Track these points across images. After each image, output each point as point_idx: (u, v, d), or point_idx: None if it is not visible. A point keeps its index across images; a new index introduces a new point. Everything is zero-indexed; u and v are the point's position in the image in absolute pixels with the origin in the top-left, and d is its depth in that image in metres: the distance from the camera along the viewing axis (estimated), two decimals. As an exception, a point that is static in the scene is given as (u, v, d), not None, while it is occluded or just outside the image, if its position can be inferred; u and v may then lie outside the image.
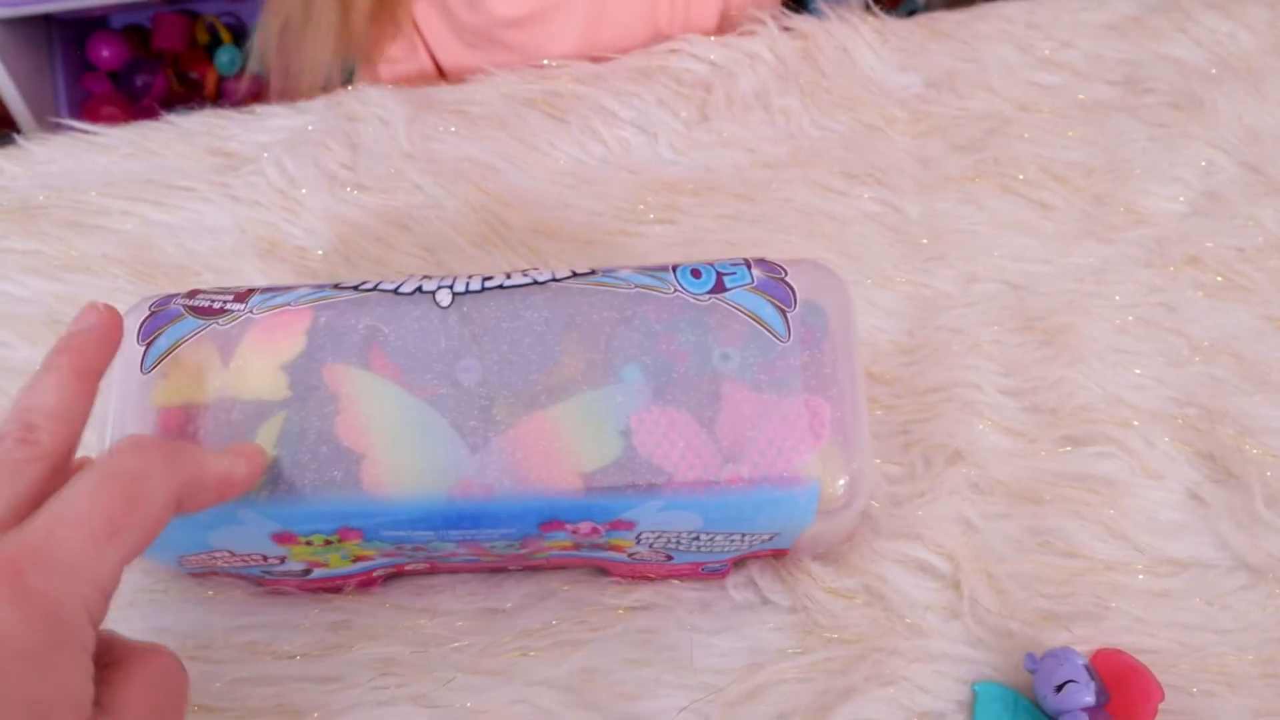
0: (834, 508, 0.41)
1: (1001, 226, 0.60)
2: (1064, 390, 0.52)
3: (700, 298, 0.42)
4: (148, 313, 0.42)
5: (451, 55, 0.84)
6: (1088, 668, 0.42)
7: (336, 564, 0.44)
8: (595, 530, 0.41)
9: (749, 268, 0.43)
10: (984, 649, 0.45)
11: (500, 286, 0.42)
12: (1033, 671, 0.43)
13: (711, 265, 0.43)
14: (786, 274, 0.43)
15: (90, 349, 0.38)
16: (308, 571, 0.45)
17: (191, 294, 0.43)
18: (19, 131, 0.68)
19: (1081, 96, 0.67)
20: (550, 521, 0.41)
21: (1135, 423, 0.51)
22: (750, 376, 0.41)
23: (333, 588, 0.47)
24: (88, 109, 1.67)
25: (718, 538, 0.42)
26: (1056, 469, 0.50)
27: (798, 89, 0.67)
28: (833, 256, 0.58)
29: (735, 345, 0.41)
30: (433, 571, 0.48)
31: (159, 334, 0.42)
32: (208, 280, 0.59)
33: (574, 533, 0.41)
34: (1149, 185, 0.61)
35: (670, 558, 0.44)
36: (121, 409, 0.41)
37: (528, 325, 0.41)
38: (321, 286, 0.43)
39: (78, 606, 0.31)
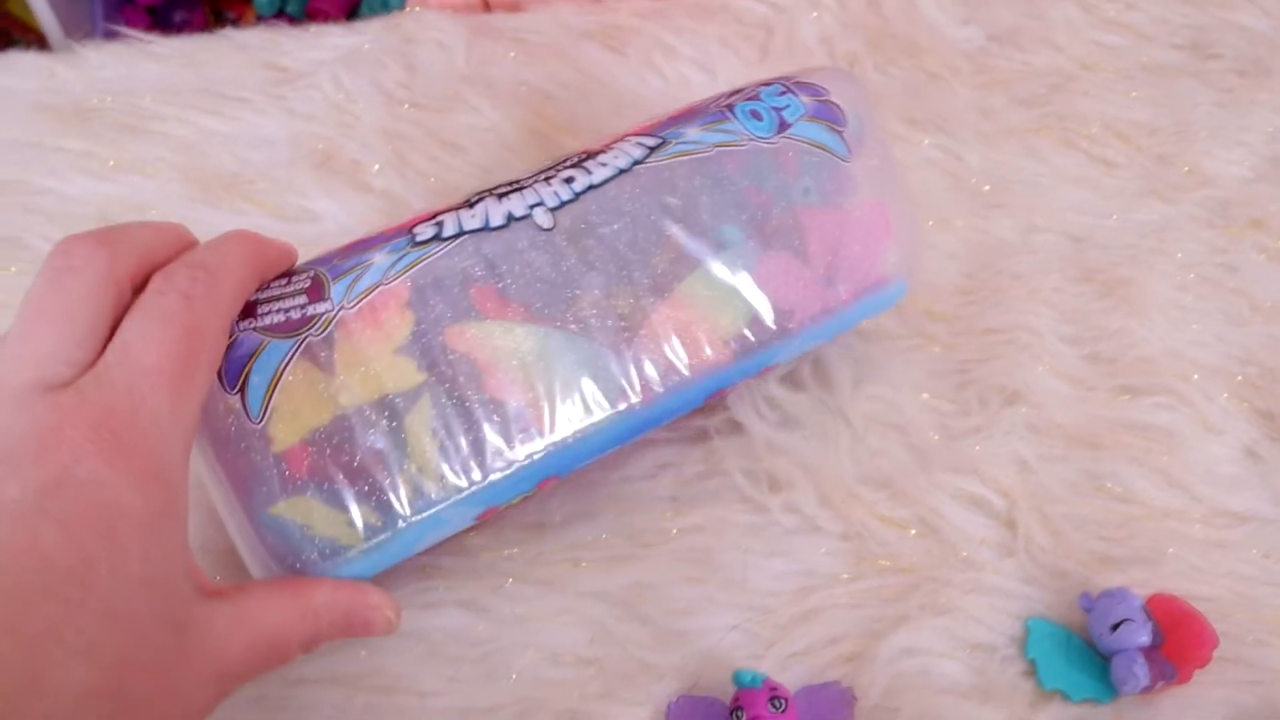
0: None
1: (1063, 180, 0.59)
2: (1124, 341, 0.52)
3: (771, 140, 0.43)
4: None
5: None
6: (1144, 608, 0.42)
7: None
8: (748, 381, 0.44)
9: (794, 94, 0.44)
10: (1038, 586, 0.45)
11: (591, 187, 0.41)
12: (1088, 610, 0.43)
13: (759, 100, 0.44)
14: (829, 94, 0.44)
15: (278, 253, 0.38)
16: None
17: (247, 312, 0.37)
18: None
19: (1144, 59, 0.66)
20: (716, 392, 0.42)
21: (1195, 377, 0.51)
22: (825, 200, 0.43)
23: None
24: (123, 44, 1.66)
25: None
26: (1114, 416, 0.49)
27: (862, 35, 0.66)
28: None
29: (809, 176, 0.43)
30: None
31: (246, 373, 0.36)
32: (262, 189, 0.59)
33: (730, 391, 0.44)
34: (1213, 148, 0.60)
35: None
36: (249, 471, 0.36)
37: (633, 218, 0.41)
38: (397, 245, 0.39)
39: (173, 461, 0.30)
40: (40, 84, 0.65)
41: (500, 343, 0.38)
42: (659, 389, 0.40)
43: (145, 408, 0.30)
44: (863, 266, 0.43)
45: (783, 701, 0.39)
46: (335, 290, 0.38)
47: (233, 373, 0.36)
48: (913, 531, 0.46)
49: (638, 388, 0.40)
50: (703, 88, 0.64)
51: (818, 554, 0.45)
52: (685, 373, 0.40)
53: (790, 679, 0.42)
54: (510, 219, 0.40)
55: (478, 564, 0.45)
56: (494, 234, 0.39)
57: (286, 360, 0.36)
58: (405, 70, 0.65)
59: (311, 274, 0.39)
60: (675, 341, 0.40)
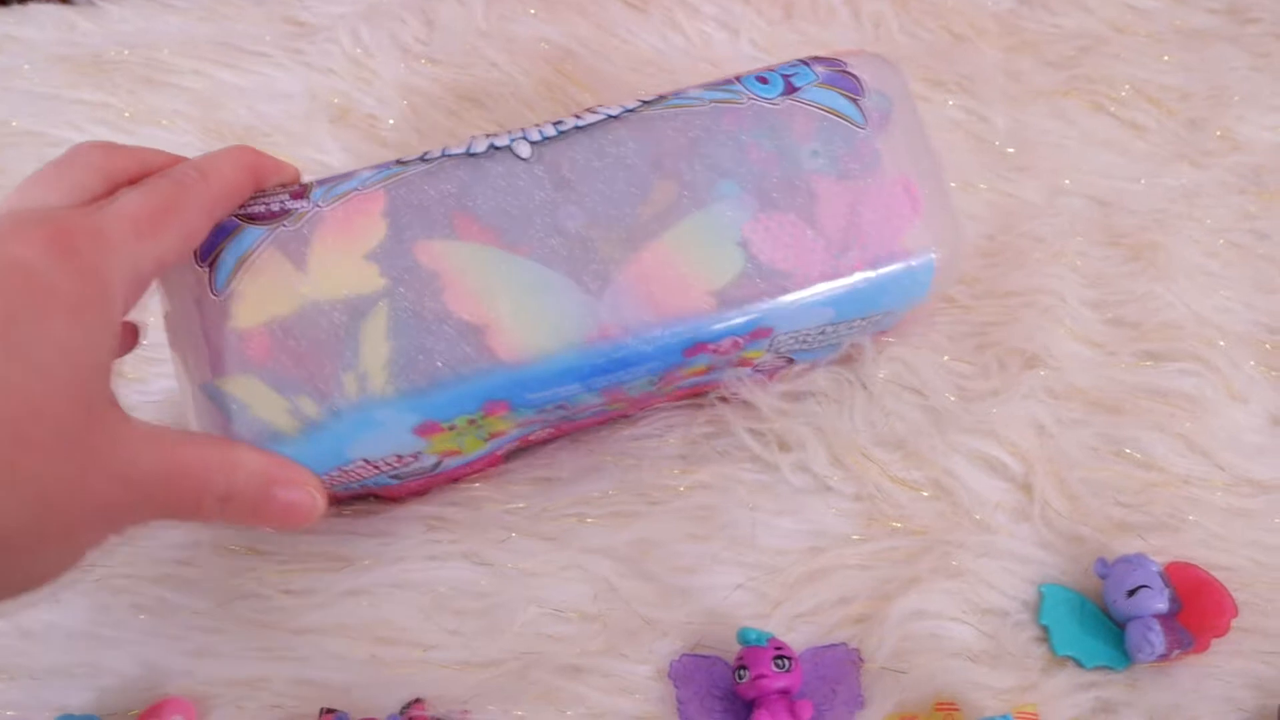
0: (941, 268, 0.43)
1: (1091, 143, 0.58)
2: (1148, 306, 0.50)
3: (774, 101, 0.42)
4: None
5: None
6: (1162, 575, 0.41)
7: (471, 447, 0.42)
8: (736, 344, 0.42)
9: (809, 65, 0.43)
10: (1053, 552, 0.44)
11: (577, 128, 0.41)
12: (1103, 576, 0.42)
13: (773, 70, 0.43)
14: (848, 66, 0.43)
15: (272, 162, 0.40)
16: (437, 465, 0.43)
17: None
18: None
19: (1178, 22, 0.64)
20: (694, 345, 0.41)
21: (1220, 343, 0.49)
22: (839, 168, 0.41)
23: (459, 477, 0.46)
24: None
25: (841, 327, 0.44)
26: (1136, 381, 0.48)
27: (888, -6, 0.65)
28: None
29: (819, 141, 0.42)
30: (556, 437, 0.47)
31: (220, 251, 0.38)
32: (278, 142, 0.58)
33: (715, 351, 0.41)
34: (1248, 113, 0.59)
35: (792, 360, 0.47)
36: (202, 340, 0.38)
37: (617, 160, 0.40)
38: (383, 166, 0.41)
39: (115, 276, 0.32)
40: (60, 36, 0.65)
41: (465, 262, 0.39)
42: (627, 330, 0.39)
43: (106, 235, 0.33)
44: (880, 239, 0.41)
45: (788, 661, 0.39)
46: (316, 192, 0.40)
47: (206, 248, 0.38)
48: (926, 493, 0.45)
49: (604, 325, 0.39)
50: (724, 46, 0.63)
51: (828, 514, 0.44)
52: (658, 315, 0.39)
53: (797, 639, 0.41)
54: (491, 148, 0.40)
55: (482, 516, 0.44)
56: (473, 159, 0.40)
57: (257, 245, 0.38)
58: (424, 25, 0.64)
59: (303, 183, 0.41)
60: (652, 286, 0.39)
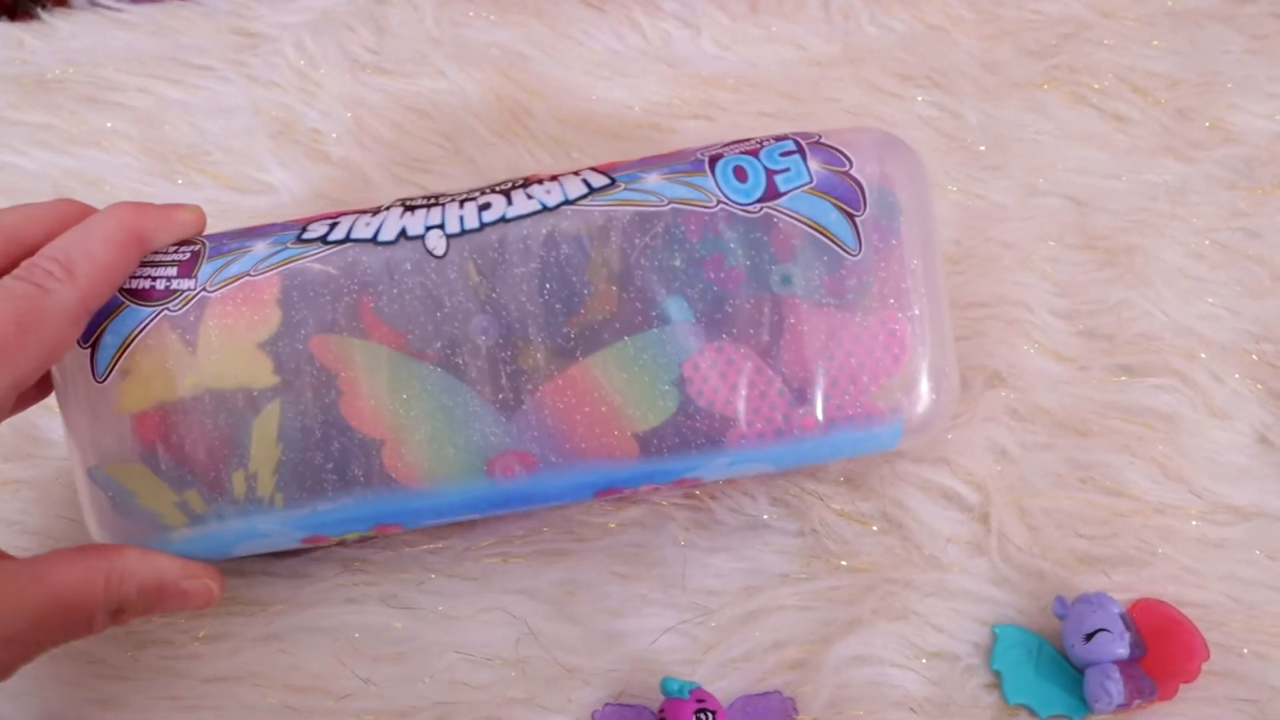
0: (913, 429, 0.37)
1: (1070, 138, 0.54)
2: (1124, 315, 0.47)
3: (749, 208, 0.36)
4: None
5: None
6: (1124, 617, 0.38)
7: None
8: (656, 490, 0.38)
9: (803, 157, 0.36)
10: (1009, 589, 0.41)
11: (503, 219, 0.36)
12: (1061, 617, 0.39)
13: (757, 157, 0.36)
14: (852, 165, 0.36)
15: (160, 221, 0.36)
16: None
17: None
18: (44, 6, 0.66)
19: (1171, 3, 0.60)
20: (607, 489, 0.37)
21: (1202, 355, 0.46)
22: (816, 297, 0.35)
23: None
24: None
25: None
26: (1108, 399, 0.45)
27: (858, -16, 0.61)
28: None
29: (795, 261, 0.35)
30: None
31: (101, 332, 0.35)
32: (218, 160, 0.57)
33: (631, 495, 0.38)
34: (1241, 100, 0.55)
35: None
36: (88, 424, 0.36)
37: (545, 264, 0.35)
38: (282, 238, 0.37)
39: None
40: (7, 54, 0.63)
41: (364, 366, 0.35)
42: (535, 468, 0.36)
43: None
44: (847, 392, 0.36)
45: (711, 715, 0.36)
46: (205, 270, 0.36)
47: (88, 328, 0.35)
48: (874, 527, 0.42)
49: (510, 459, 0.35)
50: (684, 44, 0.60)
51: (766, 551, 0.42)
52: (571, 459, 0.35)
53: (728, 687, 0.39)
54: (402, 235, 0.36)
55: (402, 557, 0.42)
56: (379, 248, 0.36)
57: (140, 328, 0.35)
58: (374, 33, 0.62)
59: (195, 248, 0.37)
60: (569, 416, 0.35)
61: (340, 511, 0.36)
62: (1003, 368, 0.45)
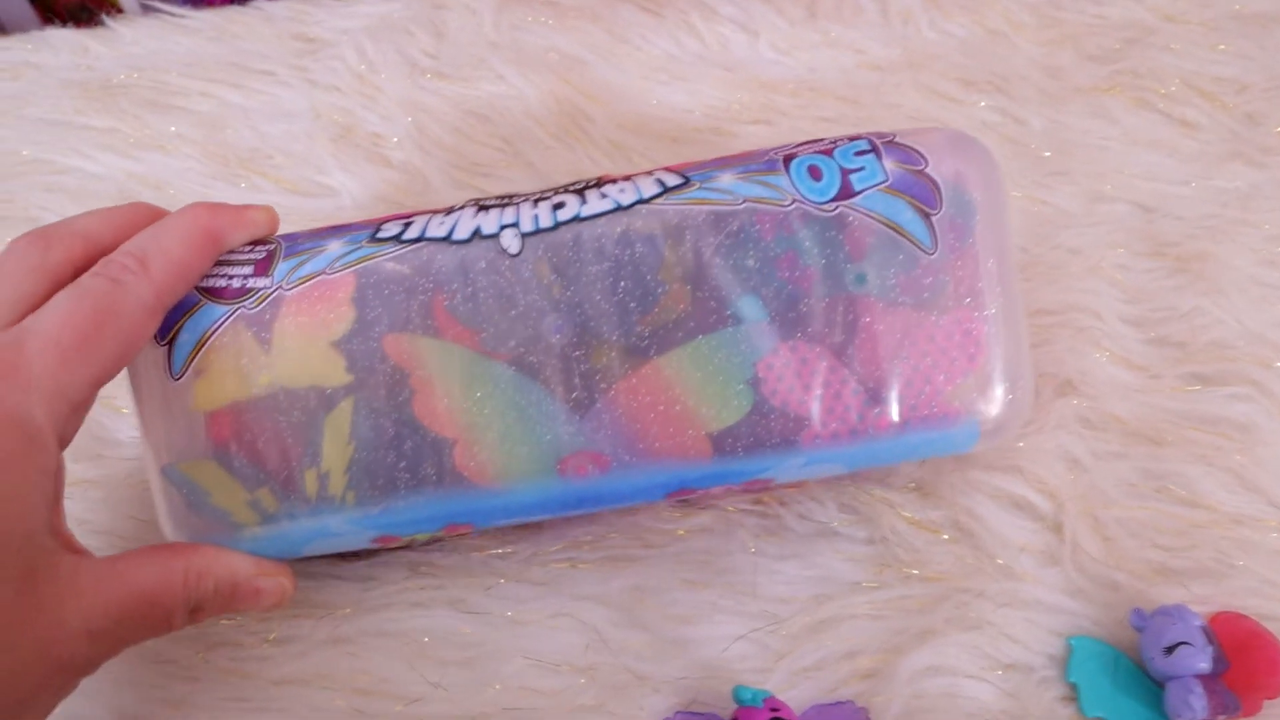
0: (990, 430, 0.37)
1: (1135, 143, 0.53)
2: (1196, 323, 0.46)
3: (824, 207, 0.35)
4: None
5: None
6: (1205, 630, 0.37)
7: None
8: (728, 492, 0.37)
9: (878, 156, 0.36)
10: (1084, 600, 0.40)
11: (577, 218, 0.36)
12: (1140, 629, 0.38)
13: (831, 156, 0.36)
14: (927, 164, 0.36)
15: (234, 220, 0.37)
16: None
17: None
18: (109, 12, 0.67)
19: (1238, 7, 0.59)
20: (678, 490, 0.37)
21: (1277, 364, 0.45)
22: (891, 296, 0.35)
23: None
24: None
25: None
26: (1182, 408, 0.44)
27: (918, -11, 0.61)
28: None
29: (870, 260, 0.35)
30: None
31: (178, 329, 0.36)
32: (279, 164, 0.57)
33: (702, 497, 0.37)
34: (1313, 105, 0.54)
35: None
36: (163, 422, 0.36)
37: (620, 263, 0.35)
38: (356, 238, 0.37)
39: (42, 419, 0.31)
40: (73, 60, 0.64)
41: (437, 365, 0.35)
42: (607, 468, 0.35)
43: (26, 366, 0.31)
44: (922, 392, 0.35)
45: (784, 723, 0.36)
46: (280, 269, 0.37)
47: (165, 325, 0.36)
48: (945, 536, 0.42)
49: (583, 459, 0.35)
50: (742, 49, 0.60)
51: (836, 558, 0.41)
52: (644, 459, 0.35)
53: (800, 696, 0.38)
54: (476, 234, 0.36)
55: (470, 561, 0.42)
56: (454, 247, 0.36)
57: (216, 325, 0.36)
58: (432, 38, 0.62)
59: (270, 247, 0.38)
60: (642, 416, 0.35)
61: (412, 510, 0.36)
62: (1074, 375, 0.45)
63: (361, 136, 0.58)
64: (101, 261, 0.34)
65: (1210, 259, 0.48)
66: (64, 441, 0.33)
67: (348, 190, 0.55)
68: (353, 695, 0.40)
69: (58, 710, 0.40)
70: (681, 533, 0.42)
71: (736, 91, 0.57)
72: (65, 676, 0.32)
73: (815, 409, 0.35)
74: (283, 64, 0.62)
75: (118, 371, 0.34)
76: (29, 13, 0.81)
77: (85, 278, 0.33)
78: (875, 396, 0.35)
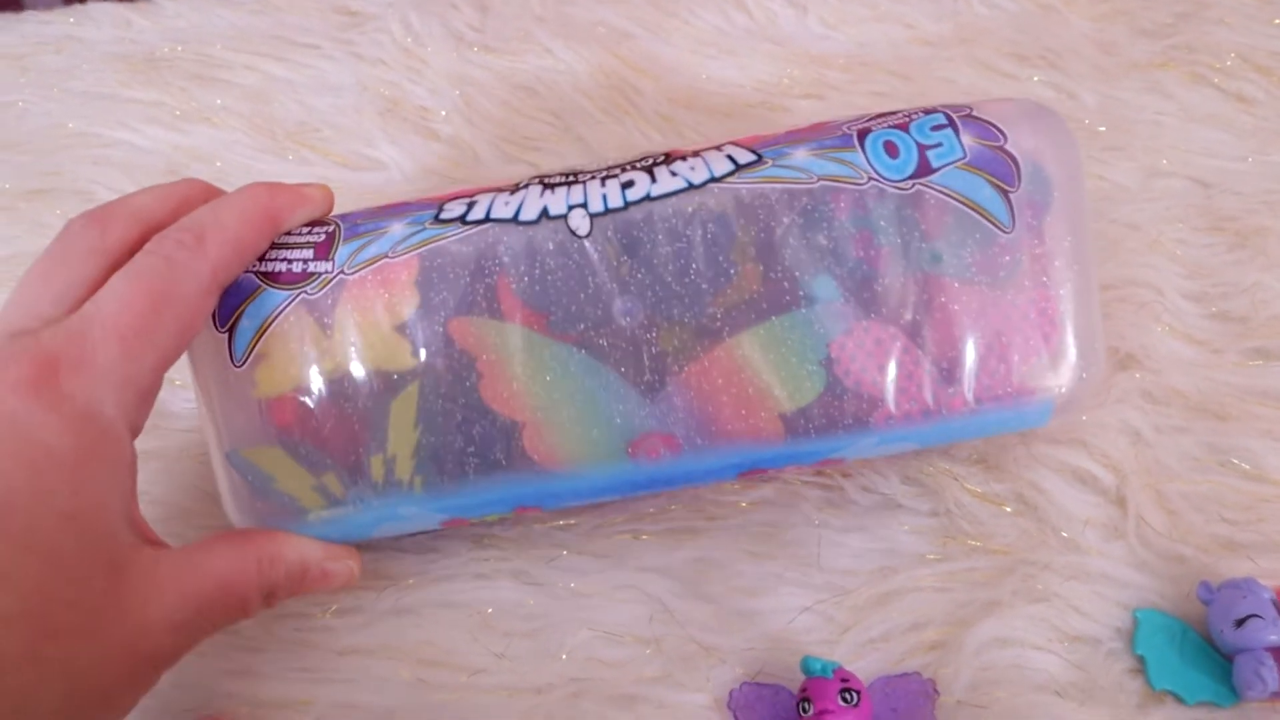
0: (1063, 408, 0.36)
1: (1192, 119, 0.53)
2: (1258, 297, 0.46)
3: (901, 185, 0.35)
4: None
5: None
6: (1275, 603, 0.37)
7: None
8: (799, 470, 0.37)
9: (955, 131, 0.35)
10: (1149, 573, 0.40)
11: (648, 197, 0.35)
12: (1207, 602, 0.38)
13: (907, 131, 0.35)
14: (1006, 139, 0.35)
15: (292, 200, 0.36)
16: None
17: (261, 255, 0.36)
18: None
19: (1293, -18, 0.59)
20: (750, 470, 0.36)
21: (1341, 339, 0.45)
22: (966, 275, 0.34)
23: None
24: None
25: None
26: (1245, 383, 0.44)
27: (967, -37, 0.60)
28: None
29: (946, 239, 0.34)
30: None
31: (238, 315, 0.35)
32: (327, 137, 0.57)
33: (776, 475, 0.37)
34: (1371, 80, 0.53)
35: None
36: (226, 409, 0.35)
37: (691, 243, 0.34)
38: (419, 219, 0.36)
39: (111, 409, 0.31)
40: (116, 34, 0.64)
41: (504, 348, 0.35)
42: (679, 450, 0.35)
43: (91, 356, 0.30)
44: (996, 371, 0.35)
45: (855, 695, 0.36)
46: (342, 252, 0.36)
47: (225, 312, 0.35)
48: (1009, 509, 0.42)
49: (654, 441, 0.35)
50: (791, 23, 0.60)
51: (900, 531, 0.41)
52: (716, 440, 0.35)
53: (866, 668, 0.38)
54: (544, 215, 0.35)
55: (532, 533, 0.42)
56: (520, 228, 0.35)
57: (278, 311, 0.35)
58: (477, 11, 0.62)
59: (330, 229, 0.37)
60: (713, 397, 0.34)
61: (480, 494, 0.36)
62: (1135, 350, 0.44)
63: (409, 110, 0.58)
64: (155, 238, 0.33)
65: (1270, 234, 0.48)
66: (135, 431, 0.33)
67: (397, 164, 0.55)
68: (417, 666, 0.40)
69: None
70: (744, 505, 0.42)
71: (787, 66, 0.57)
72: (148, 671, 0.32)
73: (889, 389, 0.35)
74: (326, 37, 0.62)
75: (180, 353, 0.33)
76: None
77: (140, 256, 0.33)
78: (949, 376, 0.35)
